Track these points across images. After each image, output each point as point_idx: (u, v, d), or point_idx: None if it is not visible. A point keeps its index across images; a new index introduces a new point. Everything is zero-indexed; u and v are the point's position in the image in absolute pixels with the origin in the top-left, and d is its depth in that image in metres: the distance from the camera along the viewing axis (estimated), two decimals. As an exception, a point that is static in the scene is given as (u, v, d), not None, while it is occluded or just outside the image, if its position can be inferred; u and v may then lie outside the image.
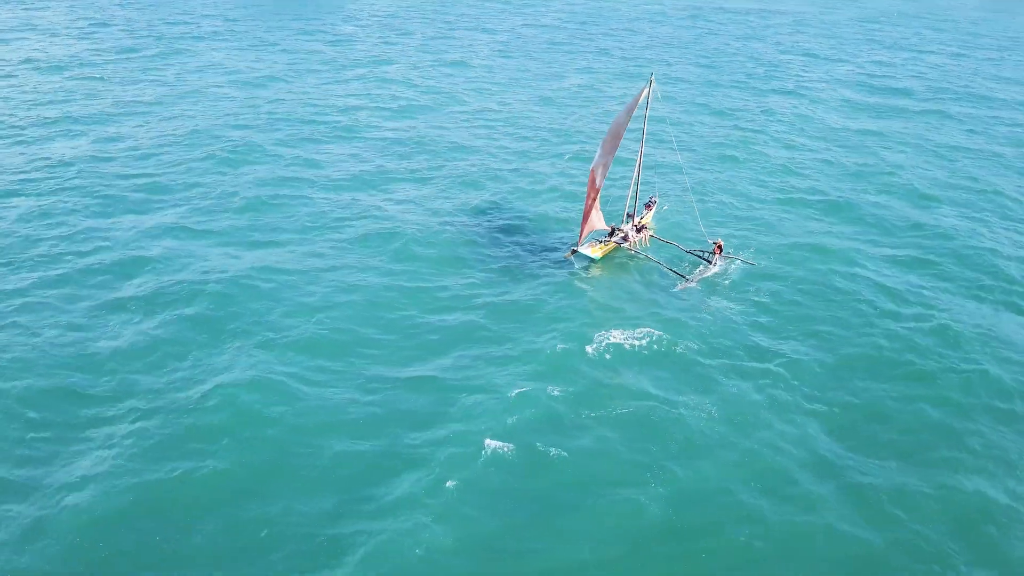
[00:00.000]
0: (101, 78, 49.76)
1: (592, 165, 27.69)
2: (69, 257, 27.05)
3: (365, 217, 30.99)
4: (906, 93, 58.83)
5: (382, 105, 47.45)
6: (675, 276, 27.30)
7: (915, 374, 22.60)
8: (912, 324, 25.25)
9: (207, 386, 20.32)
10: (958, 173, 40.64)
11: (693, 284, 26.79)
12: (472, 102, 49.32)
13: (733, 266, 28.32)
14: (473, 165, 37.91)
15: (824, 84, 60.21)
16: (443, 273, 27.07)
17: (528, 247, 29.17)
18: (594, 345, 22.74)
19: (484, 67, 60.10)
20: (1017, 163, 43.03)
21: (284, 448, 18.50)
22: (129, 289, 25.07)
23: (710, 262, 28.01)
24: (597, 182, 27.14)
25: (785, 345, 23.67)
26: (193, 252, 27.71)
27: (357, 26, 74.80)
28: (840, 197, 35.78)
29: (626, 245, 28.64)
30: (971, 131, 49.07)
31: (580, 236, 27.99)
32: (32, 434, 18.78)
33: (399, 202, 32.62)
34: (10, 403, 19.72)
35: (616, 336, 23.22)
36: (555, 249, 29.03)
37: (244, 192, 33.12)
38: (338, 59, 59.46)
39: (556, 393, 20.57)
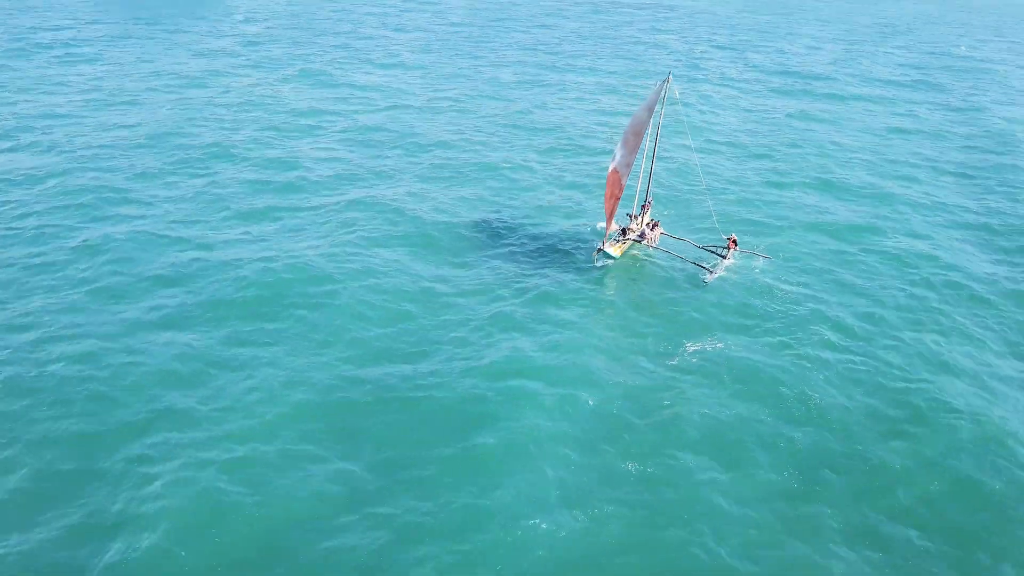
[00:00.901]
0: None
1: (615, 164, 27.91)
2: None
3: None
4: (815, 77, 62.98)
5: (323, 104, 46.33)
6: (697, 269, 27.83)
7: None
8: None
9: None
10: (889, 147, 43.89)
11: (717, 275, 27.49)
12: (422, 97, 48.76)
13: (753, 260, 29.13)
14: (447, 159, 37.75)
15: (741, 72, 63.18)
16: (458, 280, 26.52)
17: (538, 246, 29.15)
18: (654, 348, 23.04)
19: (417, 63, 59.53)
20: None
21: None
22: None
23: (724, 256, 28.78)
24: (623, 181, 27.40)
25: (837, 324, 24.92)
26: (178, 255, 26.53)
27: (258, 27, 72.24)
28: (777, 178, 38.05)
29: (644, 242, 29.06)
30: (906, 113, 52.91)
31: (605, 235, 28.22)
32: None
33: (403, 201, 31.94)
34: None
35: (672, 341, 23.52)
36: (569, 245, 29.21)
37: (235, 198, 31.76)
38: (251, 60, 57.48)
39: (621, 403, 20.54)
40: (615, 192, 27.62)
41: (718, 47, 74.95)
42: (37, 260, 26.18)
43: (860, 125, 49.79)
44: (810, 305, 26.17)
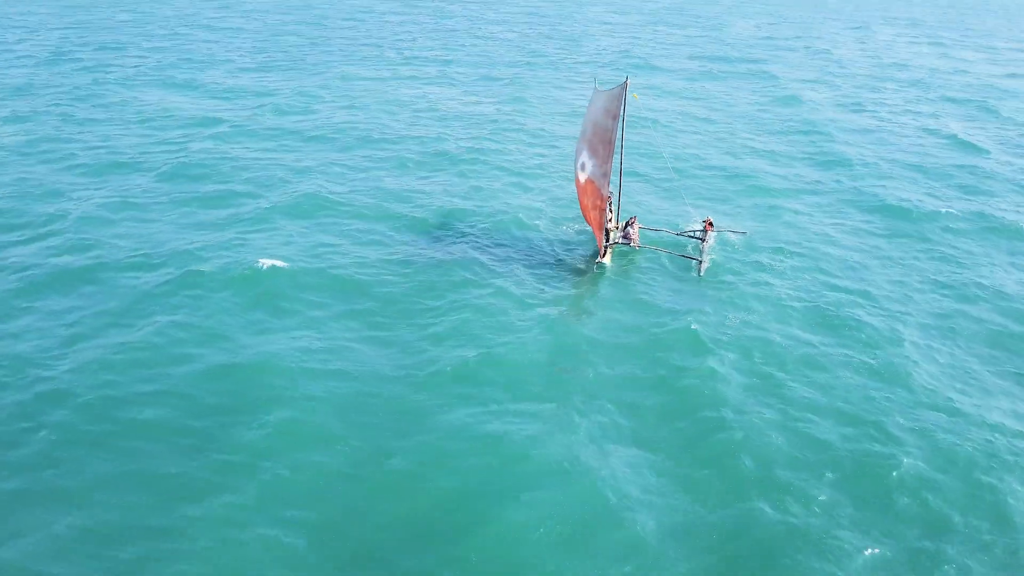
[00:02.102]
0: None
1: (588, 175, 28.02)
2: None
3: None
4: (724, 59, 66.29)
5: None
6: (686, 261, 28.48)
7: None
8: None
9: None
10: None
11: (707, 263, 28.37)
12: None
13: (728, 236, 30.21)
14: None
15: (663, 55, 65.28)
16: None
17: (526, 253, 29.06)
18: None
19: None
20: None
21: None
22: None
23: (703, 239, 29.70)
24: (604, 191, 27.61)
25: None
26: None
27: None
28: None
29: (632, 244, 29.43)
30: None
31: (600, 249, 28.29)
32: None
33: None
34: None
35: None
36: (550, 252, 29.27)
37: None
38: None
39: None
40: (598, 203, 27.79)
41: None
42: None
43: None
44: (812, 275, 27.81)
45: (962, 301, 26.50)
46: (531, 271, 27.73)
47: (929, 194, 36.51)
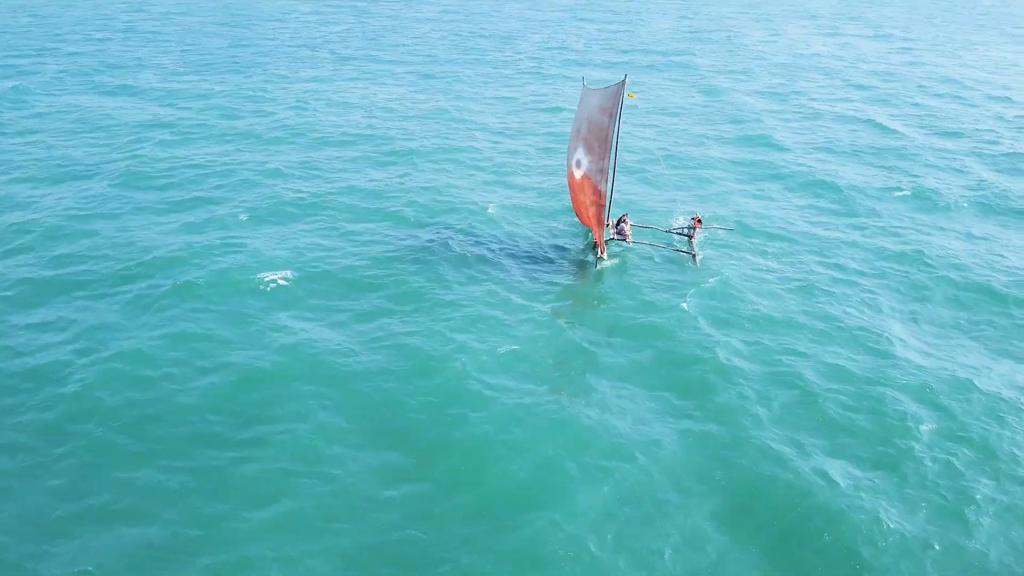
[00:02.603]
0: None
1: (584, 171, 28.37)
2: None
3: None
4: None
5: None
6: (680, 255, 29.06)
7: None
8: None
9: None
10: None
11: (700, 256, 29.06)
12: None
13: (718, 234, 30.94)
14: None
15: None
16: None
17: (520, 254, 29.11)
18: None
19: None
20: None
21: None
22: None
23: (691, 236, 30.41)
24: (601, 187, 27.96)
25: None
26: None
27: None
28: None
29: (626, 240, 29.82)
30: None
31: (600, 245, 28.55)
32: None
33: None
34: None
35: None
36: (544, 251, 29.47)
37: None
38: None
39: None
40: (595, 199, 28.11)
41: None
42: None
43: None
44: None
45: (923, 268, 28.56)
46: (530, 268, 27.97)
47: (869, 173, 38.60)
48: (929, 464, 18.43)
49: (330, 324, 23.65)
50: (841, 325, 24.36)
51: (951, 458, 18.60)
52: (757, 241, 30.54)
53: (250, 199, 32.89)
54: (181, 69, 58.26)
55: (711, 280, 27.03)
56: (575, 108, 31.16)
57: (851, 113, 50.50)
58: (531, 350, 22.60)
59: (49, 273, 26.21)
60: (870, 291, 26.80)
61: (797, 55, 71.54)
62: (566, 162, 30.41)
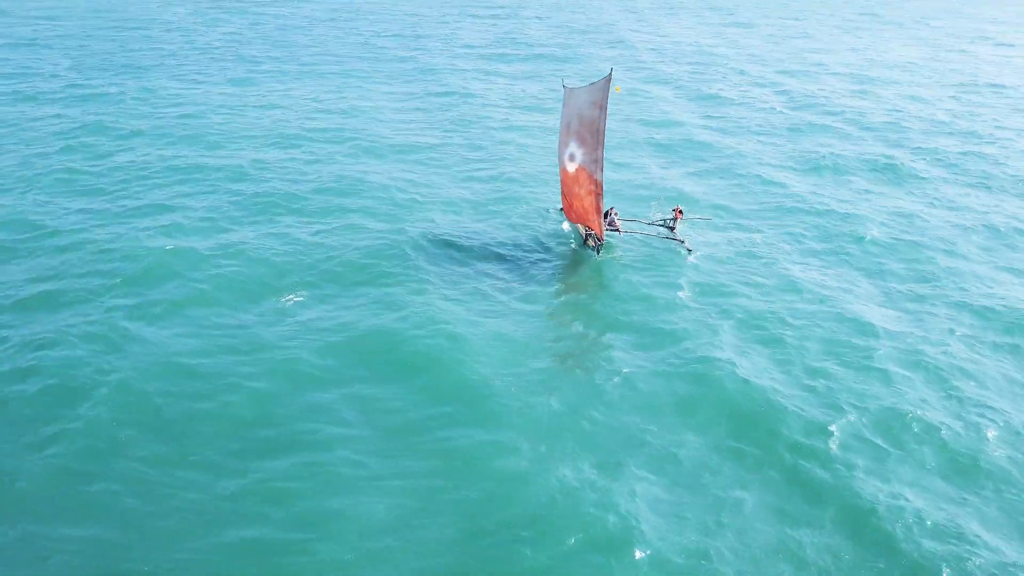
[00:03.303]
0: None
1: (578, 164, 28.72)
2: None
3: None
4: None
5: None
6: (670, 242, 29.89)
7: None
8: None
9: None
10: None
11: (687, 243, 29.97)
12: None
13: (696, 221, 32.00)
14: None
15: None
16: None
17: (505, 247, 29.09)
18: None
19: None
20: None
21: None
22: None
23: (672, 228, 31.30)
24: (597, 177, 28.34)
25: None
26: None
27: None
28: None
29: (617, 231, 30.30)
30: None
31: (600, 235, 28.80)
32: None
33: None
34: None
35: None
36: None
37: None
38: None
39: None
40: (592, 189, 28.45)
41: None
42: None
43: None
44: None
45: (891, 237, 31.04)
46: (527, 265, 28.12)
47: (816, 153, 41.22)
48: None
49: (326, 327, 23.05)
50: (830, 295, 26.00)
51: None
52: (737, 226, 31.91)
53: (206, 201, 31.47)
54: (79, 74, 54.75)
55: (706, 266, 28.03)
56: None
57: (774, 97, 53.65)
58: (551, 350, 22.90)
59: (33, 289, 24.25)
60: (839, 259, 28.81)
61: (705, 44, 75.07)
62: (558, 162, 30.78)
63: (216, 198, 32.17)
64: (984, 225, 32.67)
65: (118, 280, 24.84)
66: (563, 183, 30.06)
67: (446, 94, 52.54)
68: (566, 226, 31.69)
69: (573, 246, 30.32)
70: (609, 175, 36.09)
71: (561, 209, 32.78)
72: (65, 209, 30.60)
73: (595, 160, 28.31)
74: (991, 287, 27.37)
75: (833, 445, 18.72)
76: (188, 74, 55.82)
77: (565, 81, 33.90)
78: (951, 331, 24.26)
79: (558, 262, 29.06)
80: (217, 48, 66.73)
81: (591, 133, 28.41)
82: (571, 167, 29.11)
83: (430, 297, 25.01)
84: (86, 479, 16.69)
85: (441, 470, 17.45)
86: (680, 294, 26.12)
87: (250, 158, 37.44)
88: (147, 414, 18.83)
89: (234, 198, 32.20)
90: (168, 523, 15.70)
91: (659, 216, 32.13)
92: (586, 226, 29.70)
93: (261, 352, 21.44)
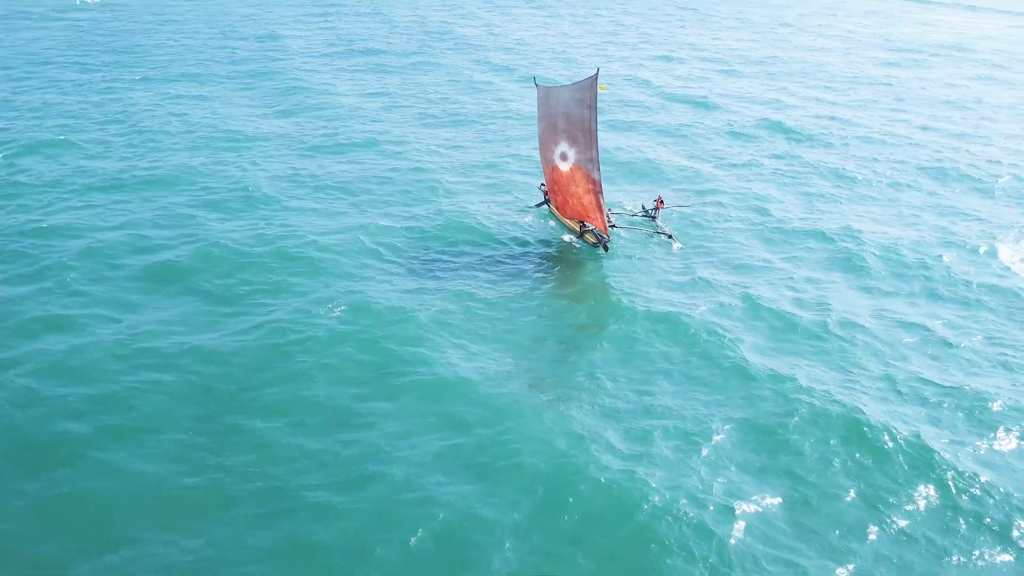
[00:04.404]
0: None
1: (571, 163, 29.42)
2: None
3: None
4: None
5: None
6: (659, 236, 31.04)
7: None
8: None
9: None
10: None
11: (674, 233, 31.25)
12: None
13: (676, 211, 33.26)
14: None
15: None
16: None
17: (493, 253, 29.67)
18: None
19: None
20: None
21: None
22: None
23: (654, 218, 32.50)
24: (594, 175, 29.09)
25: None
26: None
27: None
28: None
29: (610, 225, 31.11)
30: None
31: (604, 231, 29.41)
32: None
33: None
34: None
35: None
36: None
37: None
38: None
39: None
40: (592, 187, 29.17)
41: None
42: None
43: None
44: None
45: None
46: (527, 267, 28.83)
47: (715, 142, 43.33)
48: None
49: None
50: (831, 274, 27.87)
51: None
52: (718, 213, 33.59)
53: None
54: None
55: (700, 257, 29.52)
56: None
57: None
58: (569, 356, 23.49)
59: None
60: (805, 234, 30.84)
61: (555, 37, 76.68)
62: (543, 161, 31.40)
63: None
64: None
65: None
66: (555, 182, 30.80)
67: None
68: (552, 223, 32.44)
69: (566, 239, 31.04)
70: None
71: (540, 204, 33.58)
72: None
73: (591, 159, 29.07)
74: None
75: (901, 431, 19.61)
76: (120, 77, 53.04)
77: (537, 79, 34.37)
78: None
79: (552, 257, 29.77)
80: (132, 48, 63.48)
81: (583, 132, 29.12)
82: (564, 166, 29.88)
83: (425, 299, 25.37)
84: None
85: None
86: (674, 282, 27.42)
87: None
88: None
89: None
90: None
91: (641, 207, 33.21)
92: (585, 222, 30.52)
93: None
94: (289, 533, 15.79)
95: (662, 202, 32.86)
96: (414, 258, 28.65)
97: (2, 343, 21.86)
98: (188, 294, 25.11)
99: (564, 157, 29.85)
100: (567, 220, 31.59)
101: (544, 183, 34.14)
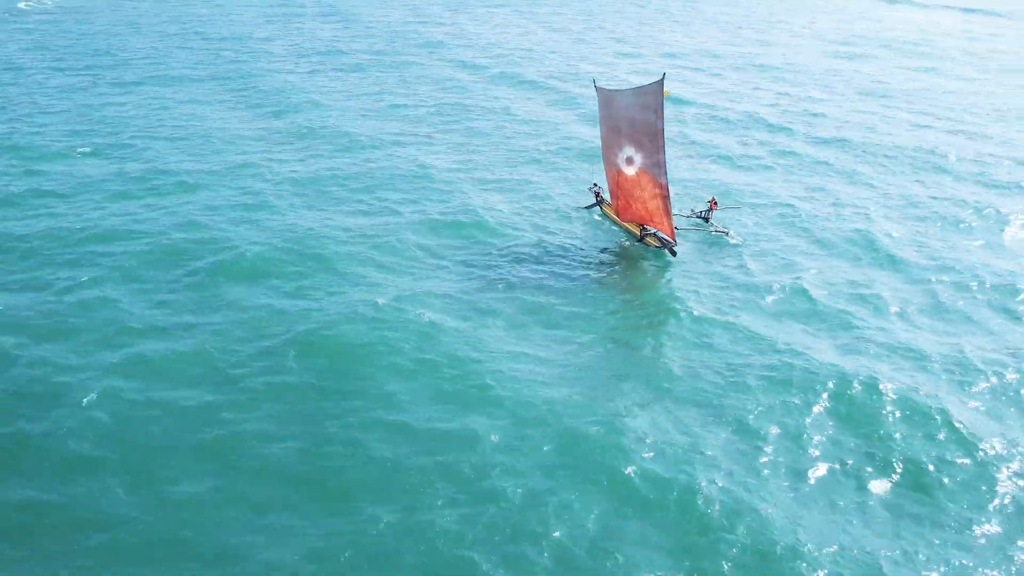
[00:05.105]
0: None
1: (640, 167, 29.57)
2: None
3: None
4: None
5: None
6: (717, 235, 31.52)
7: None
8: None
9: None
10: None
11: (731, 231, 31.81)
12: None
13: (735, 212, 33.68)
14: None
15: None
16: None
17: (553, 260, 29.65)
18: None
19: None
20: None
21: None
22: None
23: (707, 219, 32.93)
24: (660, 179, 29.25)
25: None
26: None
27: None
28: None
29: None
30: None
31: (671, 236, 29.62)
32: None
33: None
34: None
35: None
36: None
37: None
38: None
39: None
40: (660, 192, 29.33)
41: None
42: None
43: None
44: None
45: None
46: (590, 273, 29.04)
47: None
48: None
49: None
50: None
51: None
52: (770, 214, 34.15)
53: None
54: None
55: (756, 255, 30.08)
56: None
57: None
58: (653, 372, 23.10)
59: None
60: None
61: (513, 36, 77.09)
62: (606, 165, 31.49)
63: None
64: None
65: None
66: (618, 186, 30.94)
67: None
68: (606, 224, 32.56)
69: (626, 243, 31.25)
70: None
71: (592, 207, 33.74)
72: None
73: (657, 164, 29.25)
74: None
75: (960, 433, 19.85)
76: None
77: (597, 82, 34.18)
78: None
79: (614, 262, 30.01)
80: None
81: (648, 137, 29.25)
82: (630, 170, 30.03)
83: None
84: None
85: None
86: (742, 283, 27.90)
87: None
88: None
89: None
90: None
91: (695, 210, 33.57)
92: (648, 226, 30.70)
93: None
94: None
95: (715, 203, 33.24)
96: (472, 262, 28.80)
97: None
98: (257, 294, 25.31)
99: (630, 161, 29.99)
100: (626, 223, 31.77)
101: (595, 185, 34.32)
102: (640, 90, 29.69)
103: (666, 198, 29.41)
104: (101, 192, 33.29)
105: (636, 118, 29.50)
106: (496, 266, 28.61)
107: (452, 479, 17.69)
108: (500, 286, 26.95)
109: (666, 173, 29.33)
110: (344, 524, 16.38)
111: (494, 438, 18.99)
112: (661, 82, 29.08)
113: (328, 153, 39.82)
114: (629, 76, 57.34)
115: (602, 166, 32.87)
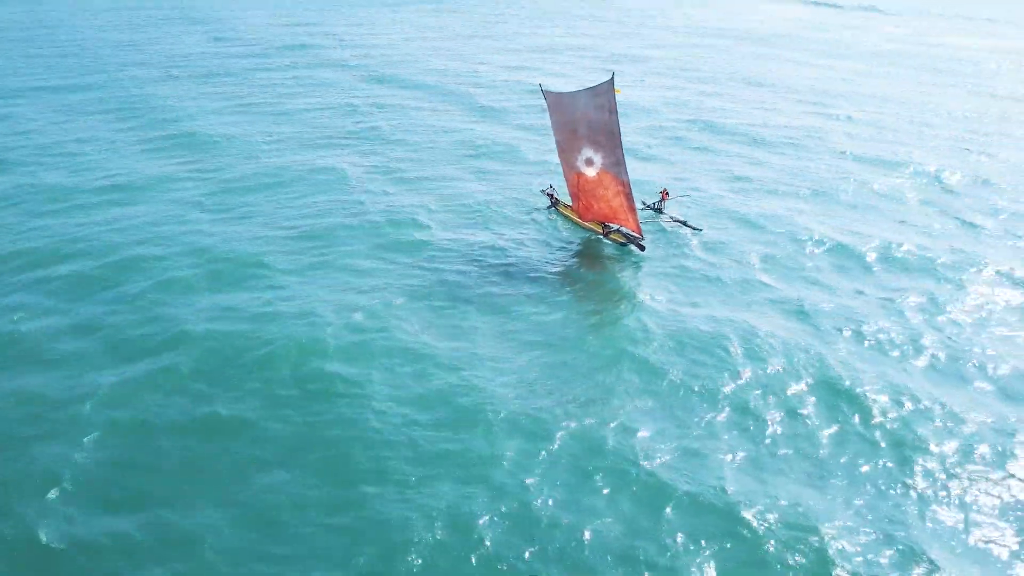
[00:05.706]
0: None
1: (598, 168, 29.98)
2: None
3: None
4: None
5: None
6: (689, 229, 32.03)
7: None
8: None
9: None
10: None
11: (688, 222, 32.80)
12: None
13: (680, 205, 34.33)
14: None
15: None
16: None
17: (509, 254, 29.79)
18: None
19: None
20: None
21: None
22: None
23: (661, 210, 33.78)
24: (622, 177, 29.83)
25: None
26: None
27: None
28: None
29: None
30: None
31: (638, 232, 30.11)
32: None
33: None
34: None
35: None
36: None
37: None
38: None
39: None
40: (622, 189, 29.90)
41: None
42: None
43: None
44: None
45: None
46: (564, 273, 29.35)
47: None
48: None
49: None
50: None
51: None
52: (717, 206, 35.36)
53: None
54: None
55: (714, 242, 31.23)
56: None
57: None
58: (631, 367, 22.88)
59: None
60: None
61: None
62: (565, 167, 31.76)
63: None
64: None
65: None
66: (579, 187, 31.32)
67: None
68: (564, 225, 32.95)
69: (592, 238, 31.58)
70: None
71: (550, 208, 34.10)
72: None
73: (617, 162, 29.85)
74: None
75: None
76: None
77: (543, 86, 34.14)
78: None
79: (579, 263, 30.39)
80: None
81: (606, 136, 29.79)
82: (590, 171, 30.51)
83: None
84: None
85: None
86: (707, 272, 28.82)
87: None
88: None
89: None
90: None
91: (650, 200, 34.35)
92: (612, 224, 31.27)
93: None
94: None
95: (667, 193, 34.11)
96: (425, 266, 28.64)
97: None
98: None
99: (589, 162, 30.45)
100: (585, 223, 32.18)
101: (549, 188, 34.68)
102: (593, 91, 30.10)
103: (629, 195, 30.04)
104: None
105: (593, 119, 29.92)
106: (462, 271, 28.21)
107: (433, 489, 17.39)
108: (468, 292, 26.57)
109: (626, 170, 29.98)
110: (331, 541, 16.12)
111: (474, 445, 18.74)
112: (611, 81, 29.74)
113: (227, 165, 38.67)
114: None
115: (549, 167, 33.29)
